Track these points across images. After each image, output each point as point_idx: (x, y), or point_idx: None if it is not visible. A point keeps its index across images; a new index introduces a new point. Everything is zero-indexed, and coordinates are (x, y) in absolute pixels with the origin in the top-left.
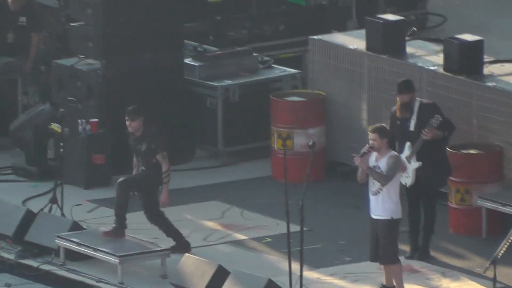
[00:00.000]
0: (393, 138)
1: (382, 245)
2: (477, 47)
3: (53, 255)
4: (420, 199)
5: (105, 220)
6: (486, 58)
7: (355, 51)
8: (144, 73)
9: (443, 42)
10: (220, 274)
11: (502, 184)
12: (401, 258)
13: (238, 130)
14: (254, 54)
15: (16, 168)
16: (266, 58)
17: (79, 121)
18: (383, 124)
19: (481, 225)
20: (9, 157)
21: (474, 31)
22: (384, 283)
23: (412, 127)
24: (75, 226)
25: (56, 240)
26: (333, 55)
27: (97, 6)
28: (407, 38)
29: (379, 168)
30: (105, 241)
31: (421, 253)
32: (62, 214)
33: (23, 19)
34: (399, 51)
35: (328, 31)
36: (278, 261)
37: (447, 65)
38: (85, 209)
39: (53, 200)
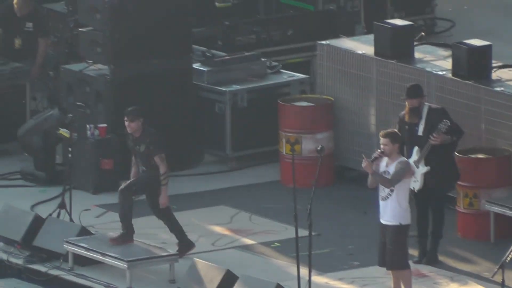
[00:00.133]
0: (402, 142)
1: (390, 251)
2: (485, 52)
3: (61, 260)
4: (428, 203)
5: (113, 225)
6: (494, 63)
7: (363, 56)
8: (152, 78)
9: (451, 47)
10: (229, 279)
11: (510, 189)
12: (410, 263)
13: (246, 135)
14: (263, 59)
15: (24, 173)
16: (274, 63)
17: (87, 126)
18: (395, 130)
19: (489, 229)
20: (17, 162)
21: (482, 36)
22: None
23: (420, 131)
24: (84, 231)
25: (65, 245)
26: (341, 60)
27: (105, 12)
28: (415, 43)
29: (388, 173)
30: (113, 246)
31: (429, 257)
32: (71, 219)
33: (29, 24)
34: (407, 56)
35: (336, 36)
36: (286, 265)
37: (456, 70)
38: (94, 214)
39: (62, 205)
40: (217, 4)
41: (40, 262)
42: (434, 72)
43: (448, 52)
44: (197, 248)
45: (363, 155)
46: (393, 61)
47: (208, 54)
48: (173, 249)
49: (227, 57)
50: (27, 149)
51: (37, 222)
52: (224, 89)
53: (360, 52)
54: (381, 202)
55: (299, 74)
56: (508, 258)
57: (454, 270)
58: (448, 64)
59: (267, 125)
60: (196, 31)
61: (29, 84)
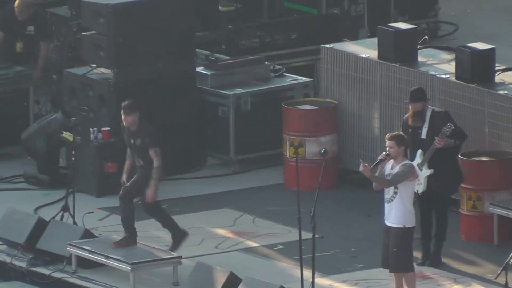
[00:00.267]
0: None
1: (393, 253)
2: (488, 55)
3: (64, 263)
4: (432, 206)
5: (117, 227)
6: (498, 66)
7: (367, 60)
8: (156, 81)
9: (454, 50)
10: (232, 281)
11: None
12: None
13: (250, 138)
14: (266, 62)
15: (27, 176)
16: (278, 67)
17: (91, 129)
18: (401, 133)
19: (492, 231)
20: (20, 165)
21: (486, 40)
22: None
23: (424, 135)
24: (87, 234)
25: (68, 248)
26: (345, 63)
27: (108, 16)
28: (418, 46)
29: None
30: (116, 249)
31: (433, 259)
32: (74, 222)
33: (31, 28)
34: (411, 60)
35: (340, 39)
36: (290, 268)
37: (459, 73)
38: (97, 217)
39: (65, 208)
40: (220, 8)
41: (44, 265)
42: (438, 75)
43: (451, 56)
44: (200, 250)
45: (360, 160)
46: (397, 65)
47: (211, 58)
48: (177, 252)
49: (231, 61)
50: (31, 152)
51: (41, 225)
52: (227, 92)
53: (363, 55)
54: (386, 205)
55: (302, 78)
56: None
57: (458, 272)
58: (451, 67)
59: (270, 128)
60: (200, 35)
61: (33, 88)
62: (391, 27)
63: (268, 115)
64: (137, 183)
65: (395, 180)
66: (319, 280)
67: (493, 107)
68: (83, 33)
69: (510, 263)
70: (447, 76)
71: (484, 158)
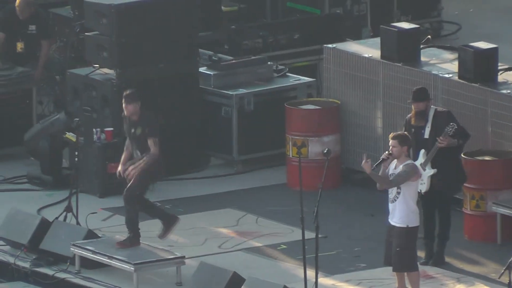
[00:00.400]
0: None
1: (397, 253)
2: (491, 54)
3: (68, 263)
4: (435, 205)
5: (120, 228)
6: (501, 66)
7: (369, 60)
8: (158, 82)
9: (457, 50)
10: (235, 281)
11: None
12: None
13: (252, 138)
14: (269, 62)
15: (31, 177)
16: (280, 67)
17: (94, 130)
18: (405, 132)
19: (496, 231)
20: (24, 166)
21: (489, 39)
22: (397, 286)
23: (427, 134)
24: (90, 234)
25: (71, 248)
26: (347, 63)
27: (111, 16)
28: (421, 46)
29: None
30: (120, 249)
31: (436, 259)
32: (77, 223)
33: (32, 27)
34: (414, 59)
35: (342, 39)
36: (293, 268)
37: (462, 72)
38: (100, 218)
39: (68, 209)
40: (223, 8)
41: (47, 265)
42: (441, 75)
43: (454, 55)
44: (204, 250)
45: (364, 155)
46: (400, 64)
47: (214, 58)
48: (180, 252)
49: (234, 61)
50: (34, 153)
51: (44, 226)
52: (230, 92)
53: (366, 55)
54: (389, 204)
55: (305, 78)
56: None
57: (461, 272)
58: (454, 67)
59: (273, 128)
60: (203, 35)
61: (36, 89)
62: (394, 26)
63: (271, 115)
64: (139, 184)
65: (397, 181)
66: (322, 280)
67: (496, 106)
68: (86, 33)
69: None
70: (450, 75)
71: (487, 158)
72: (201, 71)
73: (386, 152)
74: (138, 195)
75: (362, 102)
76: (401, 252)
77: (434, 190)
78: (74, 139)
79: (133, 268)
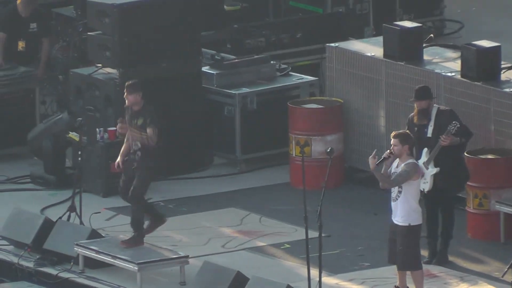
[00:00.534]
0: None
1: (400, 251)
2: (494, 53)
3: (72, 263)
4: (438, 204)
5: (123, 227)
6: (504, 64)
7: (372, 58)
8: (161, 81)
9: (460, 48)
10: (239, 281)
11: None
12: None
13: (256, 138)
14: (272, 61)
15: (34, 176)
16: (283, 66)
17: (97, 129)
18: (407, 131)
19: (499, 229)
20: (27, 166)
21: (491, 37)
22: (398, 285)
23: (429, 133)
24: (94, 234)
25: (75, 248)
26: (350, 62)
27: (114, 15)
28: (424, 44)
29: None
30: (123, 249)
31: (439, 258)
32: (81, 222)
33: (33, 25)
34: (416, 58)
35: (345, 38)
36: (296, 267)
37: (465, 71)
38: (104, 217)
39: (72, 208)
40: (226, 7)
41: (51, 265)
42: (443, 73)
43: (457, 54)
44: (207, 250)
45: (375, 150)
46: (402, 63)
47: (217, 57)
48: (184, 251)
49: (236, 60)
50: (37, 153)
51: (47, 225)
52: (233, 92)
53: (369, 54)
54: (392, 203)
55: (308, 77)
56: None
57: (464, 270)
58: (457, 65)
59: (276, 127)
60: (205, 34)
61: (39, 88)
62: (397, 25)
63: (274, 114)
64: (141, 182)
65: (398, 180)
66: (326, 279)
67: (498, 105)
68: (88, 33)
69: None
70: (453, 74)
71: (490, 156)
72: (204, 70)
73: (388, 151)
74: (143, 193)
75: (365, 101)
76: (404, 251)
77: (437, 188)
78: (77, 139)
79: (136, 268)
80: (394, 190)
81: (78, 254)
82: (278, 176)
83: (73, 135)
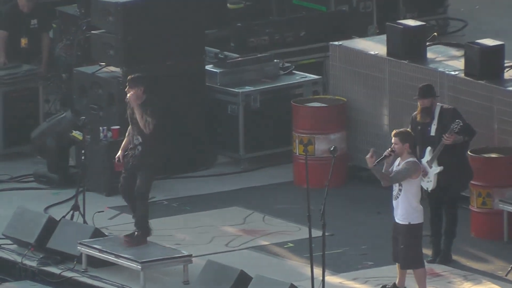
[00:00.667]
0: (414, 143)
1: (402, 250)
2: (498, 51)
3: (75, 262)
4: (441, 203)
5: (127, 226)
6: (507, 63)
7: (376, 57)
8: (165, 80)
9: (463, 47)
10: (243, 280)
11: None
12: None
13: (259, 136)
14: (275, 60)
15: (37, 175)
16: (287, 64)
17: (100, 128)
18: (408, 129)
19: (502, 228)
20: (30, 164)
21: (495, 36)
22: (396, 283)
23: (433, 132)
24: (97, 233)
25: (78, 247)
26: (354, 60)
27: (118, 14)
28: (427, 43)
29: None
30: (127, 248)
31: (443, 257)
32: (84, 221)
33: (34, 21)
34: (420, 56)
35: (348, 37)
36: (300, 266)
37: (468, 70)
38: (107, 216)
39: (75, 207)
40: (229, 5)
41: (54, 264)
42: (447, 72)
43: (460, 52)
44: (211, 249)
45: (372, 149)
46: (406, 62)
47: (220, 56)
48: (187, 250)
49: (240, 59)
50: (40, 151)
51: (51, 224)
52: (237, 90)
53: (372, 52)
54: (393, 201)
55: (311, 75)
56: None
57: (468, 269)
58: (460, 64)
59: (280, 126)
60: (209, 33)
61: (42, 87)
62: (400, 24)
63: (278, 113)
64: (144, 182)
65: (397, 177)
66: (329, 278)
67: (502, 103)
68: (92, 31)
69: None
70: (456, 72)
71: (493, 155)
72: (207, 68)
73: (389, 149)
74: (147, 191)
75: (369, 99)
76: (405, 249)
77: (440, 187)
78: (80, 137)
79: (140, 267)
80: (395, 189)
81: (81, 253)
82: (281, 174)
83: (77, 134)
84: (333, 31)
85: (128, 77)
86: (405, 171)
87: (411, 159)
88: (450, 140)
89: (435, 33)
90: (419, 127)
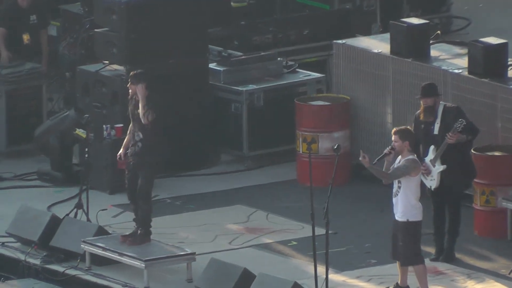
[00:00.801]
0: (417, 141)
1: (400, 247)
2: (501, 50)
3: (78, 260)
4: (445, 201)
5: (130, 224)
6: (510, 61)
7: (379, 55)
8: (168, 78)
9: (467, 45)
10: (246, 278)
11: None
12: (426, 260)
13: (262, 134)
14: (279, 58)
15: (41, 173)
16: (290, 63)
17: (104, 126)
18: (408, 127)
19: (506, 226)
20: (34, 162)
21: (498, 34)
22: (399, 283)
23: (436, 130)
24: (101, 231)
25: (82, 245)
26: (357, 59)
27: (121, 12)
28: (431, 41)
29: None
30: (130, 246)
31: (446, 255)
32: (88, 219)
33: (33, 17)
34: (424, 55)
35: (352, 35)
36: (303, 264)
37: (472, 68)
38: (111, 214)
39: (79, 205)
40: (233, 3)
41: (58, 262)
42: (450, 70)
43: (464, 50)
44: (214, 247)
45: (360, 150)
46: (409, 60)
47: (224, 54)
48: (191, 248)
49: (244, 57)
50: (44, 149)
51: (54, 222)
52: (240, 88)
53: (376, 51)
54: (393, 198)
55: (315, 74)
56: None
57: (471, 268)
58: (464, 62)
59: (283, 124)
60: (212, 31)
61: (46, 85)
62: (404, 22)
63: (281, 111)
64: (147, 181)
65: (395, 174)
66: (332, 276)
67: (505, 101)
68: (95, 30)
69: None
70: (460, 71)
71: (497, 153)
72: (211, 67)
73: (389, 147)
74: (149, 190)
75: (372, 97)
76: (404, 246)
77: (444, 186)
78: (84, 136)
79: (143, 265)
80: (395, 186)
81: (85, 251)
82: (285, 173)
83: (80, 132)
84: (336, 29)
85: (130, 73)
86: (403, 168)
87: (410, 156)
88: (453, 139)
89: (439, 32)
90: (422, 126)
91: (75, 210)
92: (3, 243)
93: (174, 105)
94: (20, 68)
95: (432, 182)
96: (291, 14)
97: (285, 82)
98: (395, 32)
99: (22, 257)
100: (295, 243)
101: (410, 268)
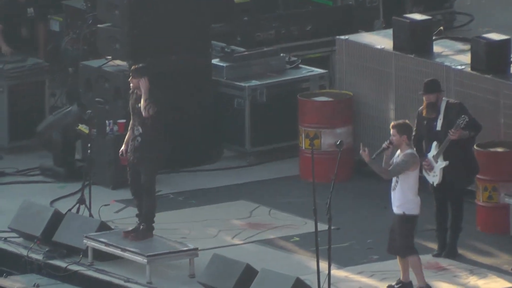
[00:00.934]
0: (420, 137)
1: (396, 239)
2: (504, 46)
3: (81, 255)
4: (447, 197)
5: (133, 220)
6: None
7: (382, 51)
8: (171, 74)
9: (470, 41)
10: (248, 273)
11: None
12: (429, 256)
13: (265, 130)
14: (282, 54)
15: (43, 169)
16: (293, 58)
17: (106, 122)
18: (406, 121)
19: (508, 222)
20: (36, 158)
21: (501, 30)
22: (401, 278)
23: (439, 126)
24: (103, 226)
25: (84, 241)
26: (360, 55)
27: (124, 8)
28: (434, 37)
29: None
30: (132, 241)
31: (448, 251)
32: (90, 215)
33: (31, 10)
34: (426, 51)
35: (355, 31)
36: (306, 259)
37: (474, 64)
38: (113, 209)
39: (81, 201)
40: None
41: (60, 258)
42: (453, 66)
43: (467, 46)
44: (216, 242)
45: (361, 144)
46: (412, 56)
47: (227, 50)
48: (193, 244)
49: (246, 53)
50: (47, 145)
51: (57, 218)
52: (243, 84)
53: (379, 47)
54: (391, 192)
55: (318, 69)
56: None
57: (474, 263)
58: (467, 58)
59: (286, 120)
60: (215, 27)
61: (48, 81)
62: (407, 18)
63: (284, 107)
64: (149, 180)
65: (396, 170)
66: (335, 272)
67: (508, 97)
68: (98, 25)
69: None
70: (463, 67)
71: (499, 149)
72: (214, 63)
73: (387, 141)
74: (152, 185)
75: (375, 93)
76: (398, 238)
77: (446, 182)
78: (86, 131)
79: (146, 260)
80: (393, 179)
81: (87, 247)
82: (287, 168)
83: (83, 128)
84: (339, 25)
85: (132, 68)
86: (403, 163)
87: (409, 151)
88: (456, 135)
89: (441, 27)
90: (425, 122)
91: (77, 205)
92: (5, 238)
93: (176, 101)
94: (22, 64)
95: (434, 178)
96: (294, 10)
97: (288, 78)
98: (398, 28)
99: (24, 252)
100: (297, 238)
101: None
